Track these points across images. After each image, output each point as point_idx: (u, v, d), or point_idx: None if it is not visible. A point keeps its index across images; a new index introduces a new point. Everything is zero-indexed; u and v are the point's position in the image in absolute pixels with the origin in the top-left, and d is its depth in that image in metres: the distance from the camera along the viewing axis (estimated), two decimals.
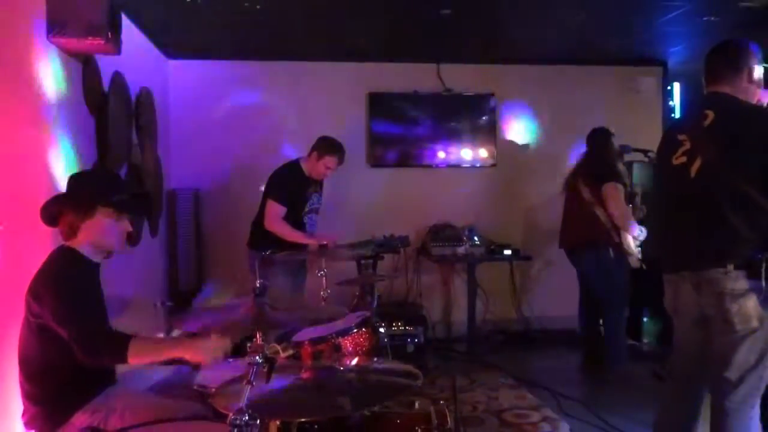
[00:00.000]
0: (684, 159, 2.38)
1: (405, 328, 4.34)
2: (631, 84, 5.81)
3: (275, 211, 4.10)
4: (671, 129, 2.61)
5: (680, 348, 2.55)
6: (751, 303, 2.21)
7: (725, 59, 2.45)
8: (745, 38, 2.54)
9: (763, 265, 2.18)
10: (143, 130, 4.32)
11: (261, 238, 4.13)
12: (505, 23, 4.66)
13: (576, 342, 4.82)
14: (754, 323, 2.21)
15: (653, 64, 5.75)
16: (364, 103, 5.57)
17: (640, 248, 4.12)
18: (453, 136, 5.69)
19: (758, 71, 2.43)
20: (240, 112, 5.40)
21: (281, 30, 4.70)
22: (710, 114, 2.35)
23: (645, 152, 4.46)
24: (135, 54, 4.18)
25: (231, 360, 2.35)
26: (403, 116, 5.62)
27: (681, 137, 2.43)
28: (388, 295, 5.25)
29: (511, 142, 5.74)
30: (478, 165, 5.67)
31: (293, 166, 4.26)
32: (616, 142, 4.37)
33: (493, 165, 5.66)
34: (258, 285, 2.08)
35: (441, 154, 5.65)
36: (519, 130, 5.74)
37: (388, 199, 5.52)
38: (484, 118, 5.67)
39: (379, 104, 5.58)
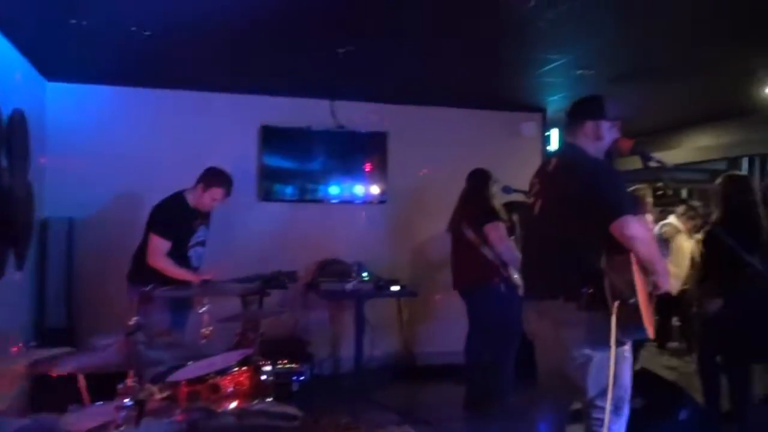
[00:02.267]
0: (533, 199, 2.71)
1: (290, 366, 4.25)
2: (515, 128, 6.15)
3: (158, 245, 3.94)
4: (535, 173, 2.89)
5: (542, 368, 2.76)
6: (581, 332, 2.42)
7: (571, 114, 2.76)
8: (598, 95, 2.83)
9: (586, 299, 2.39)
10: (13, 153, 4.02)
11: (142, 272, 3.95)
12: (399, 64, 4.79)
13: (462, 376, 4.91)
14: (586, 350, 2.43)
15: (535, 110, 6.12)
16: (257, 136, 5.51)
17: None
18: (346, 173, 5.74)
19: (605, 126, 2.66)
20: (124, 139, 5.17)
21: (171, 58, 4.57)
22: (554, 161, 2.71)
23: (525, 192, 4.69)
24: (7, 73, 3.92)
25: (100, 404, 2.20)
26: (297, 151, 5.62)
27: (535, 180, 2.78)
28: (273, 332, 5.13)
29: (402, 180, 5.85)
30: (369, 201, 5.74)
31: (177, 198, 4.12)
32: (503, 181, 4.56)
33: (384, 202, 5.75)
34: (133, 322, 1.97)
35: (333, 190, 5.69)
36: (410, 168, 5.86)
37: (279, 233, 5.45)
38: (376, 155, 5.77)
39: (273, 138, 5.55)
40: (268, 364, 3.94)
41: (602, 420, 2.43)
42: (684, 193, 9.24)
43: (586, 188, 2.47)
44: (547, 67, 4.74)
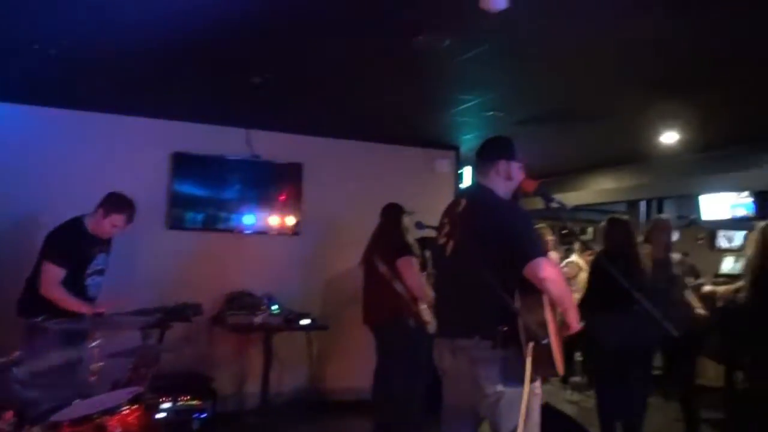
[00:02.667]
0: (444, 240, 2.71)
1: (191, 402, 4.08)
2: (430, 165, 6.27)
3: (52, 274, 3.71)
4: (444, 212, 2.87)
5: (449, 408, 2.78)
6: (496, 370, 2.46)
7: (482, 154, 2.83)
8: (507, 136, 2.92)
9: (501, 338, 2.44)
10: None
11: (33, 303, 3.71)
12: (315, 97, 4.80)
13: (369, 411, 4.86)
14: (500, 387, 2.47)
15: (449, 148, 6.27)
16: (168, 163, 5.35)
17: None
18: (259, 203, 5.65)
19: (512, 166, 2.74)
20: (26, 160, 4.89)
21: (79, 78, 4.40)
22: (463, 202, 2.73)
23: (436, 229, 4.76)
24: None
25: None
26: (210, 179, 5.49)
27: (445, 219, 2.79)
28: (175, 367, 4.90)
29: (317, 212, 5.81)
30: (283, 233, 5.66)
31: (75, 223, 3.91)
32: (417, 217, 4.61)
33: (298, 233, 5.69)
34: (11, 357, 1.83)
35: (247, 220, 5.58)
36: (325, 200, 5.83)
37: (187, 264, 5.27)
38: (291, 186, 5.72)
39: (184, 165, 5.40)
40: (166, 401, 3.78)
41: None
42: (590, 232, 9.70)
43: (499, 230, 2.52)
44: (461, 107, 4.88)
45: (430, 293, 4.24)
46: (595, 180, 8.50)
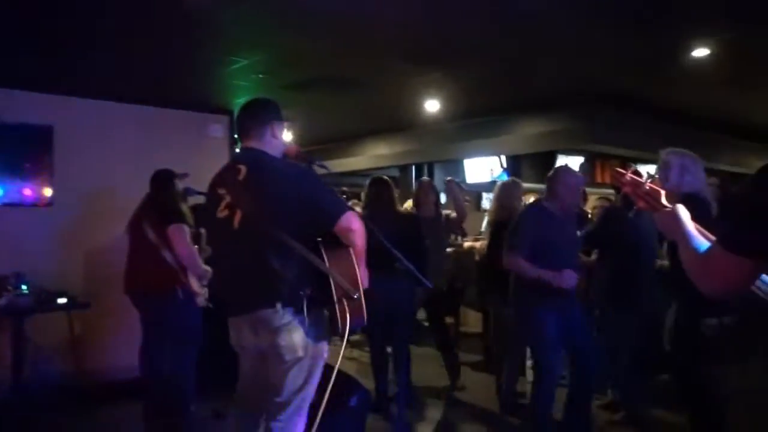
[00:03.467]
0: (227, 212, 2.51)
1: None
2: (204, 130, 6.00)
3: None
4: (213, 184, 2.67)
5: (245, 382, 2.68)
6: (298, 335, 2.42)
7: (252, 117, 2.67)
8: (267, 97, 2.84)
9: (305, 301, 2.41)
10: None
11: None
12: (68, 49, 4.30)
13: (140, 392, 4.59)
14: (300, 353, 2.43)
15: (222, 112, 6.05)
16: None
17: (206, 288, 4.18)
18: (4, 172, 4.96)
19: (281, 127, 2.71)
20: None
21: None
22: (243, 168, 2.53)
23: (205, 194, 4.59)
24: None
25: None
26: None
27: (221, 191, 2.56)
28: None
29: (74, 181, 5.25)
30: (32, 203, 5.05)
31: None
32: (190, 183, 4.38)
33: (51, 204, 5.12)
34: None
35: None
36: (83, 168, 5.30)
37: None
38: (41, 152, 5.10)
39: None
40: None
41: (285, 421, 2.47)
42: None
43: (298, 193, 2.44)
44: (231, 68, 4.72)
45: (202, 266, 4.10)
46: (370, 146, 8.86)
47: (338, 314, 2.41)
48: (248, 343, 2.55)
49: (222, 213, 2.52)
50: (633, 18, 3.87)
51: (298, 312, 2.41)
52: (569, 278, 3.57)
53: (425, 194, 5.12)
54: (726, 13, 3.79)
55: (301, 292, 2.41)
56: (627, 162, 8.14)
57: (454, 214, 5.21)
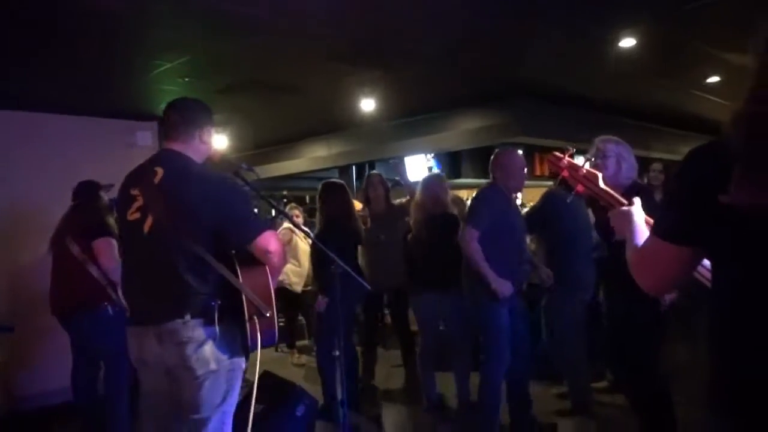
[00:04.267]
0: (138, 215, 2.35)
1: None
2: (131, 138, 5.77)
3: None
4: (126, 184, 2.50)
5: (148, 401, 2.51)
6: (208, 348, 2.29)
7: (181, 117, 2.48)
8: (197, 98, 2.65)
9: (216, 313, 2.28)
10: None
11: None
12: None
13: (75, 416, 4.36)
14: (213, 366, 2.30)
15: (149, 119, 5.83)
16: None
17: None
18: None
19: (210, 132, 2.55)
20: None
21: None
22: (160, 171, 2.36)
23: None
24: None
25: None
26: None
27: (134, 192, 2.40)
28: None
29: None
30: None
31: None
32: (114, 194, 4.18)
33: None
34: None
35: None
36: (6, 181, 5.01)
37: None
38: None
39: None
40: None
41: None
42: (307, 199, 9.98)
43: (215, 203, 2.30)
44: (155, 72, 4.55)
45: None
46: (309, 148, 8.74)
47: (248, 331, 2.30)
48: (151, 356, 2.36)
49: (132, 216, 2.36)
50: (562, 9, 3.89)
51: (208, 323, 2.29)
52: (507, 289, 3.60)
53: (374, 189, 5.04)
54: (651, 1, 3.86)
55: (213, 303, 2.29)
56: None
57: (405, 199, 5.03)
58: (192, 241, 2.26)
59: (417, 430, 4.44)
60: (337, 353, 4.51)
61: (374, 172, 5.86)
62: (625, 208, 1.69)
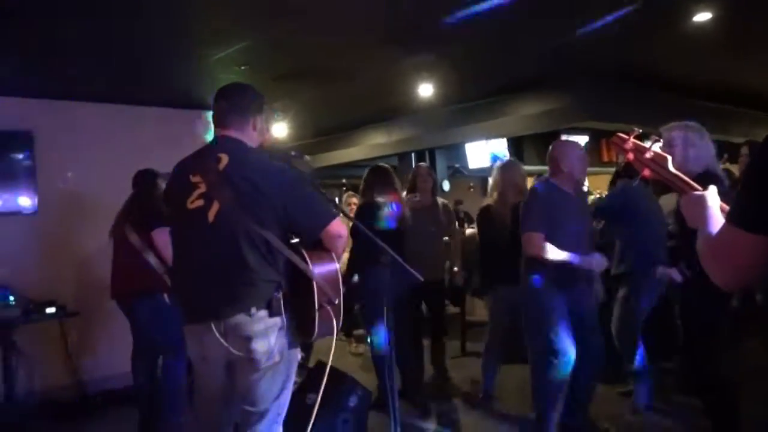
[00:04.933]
0: (201, 202, 2.26)
1: None
2: (187, 127, 5.81)
3: None
4: (182, 171, 2.40)
5: (207, 393, 2.45)
6: (273, 339, 2.24)
7: (233, 105, 2.42)
8: (250, 85, 2.55)
9: (281, 303, 2.24)
10: None
11: None
12: (49, 54, 4.17)
13: (136, 400, 4.45)
14: (276, 357, 2.26)
15: (206, 108, 5.86)
16: None
17: None
18: None
19: (262, 119, 2.48)
20: None
21: None
22: (224, 157, 2.29)
23: None
24: None
25: None
26: None
27: (195, 179, 2.30)
28: None
29: (57, 186, 5.11)
30: (15, 213, 4.91)
31: None
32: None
33: (34, 213, 4.99)
34: None
35: None
36: (67, 172, 5.16)
37: None
38: (21, 159, 4.95)
39: None
40: None
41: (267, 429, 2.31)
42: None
43: (288, 193, 2.26)
44: (211, 60, 4.56)
45: None
46: (368, 135, 8.67)
47: (317, 320, 2.23)
48: (213, 352, 2.27)
49: (194, 203, 2.26)
50: None
51: (273, 314, 2.23)
52: (599, 262, 3.45)
53: (423, 180, 4.91)
54: None
55: (278, 292, 2.23)
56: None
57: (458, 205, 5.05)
58: (261, 227, 2.20)
59: (471, 423, 4.32)
60: (388, 345, 4.48)
61: (423, 163, 5.76)
62: (698, 192, 1.53)
